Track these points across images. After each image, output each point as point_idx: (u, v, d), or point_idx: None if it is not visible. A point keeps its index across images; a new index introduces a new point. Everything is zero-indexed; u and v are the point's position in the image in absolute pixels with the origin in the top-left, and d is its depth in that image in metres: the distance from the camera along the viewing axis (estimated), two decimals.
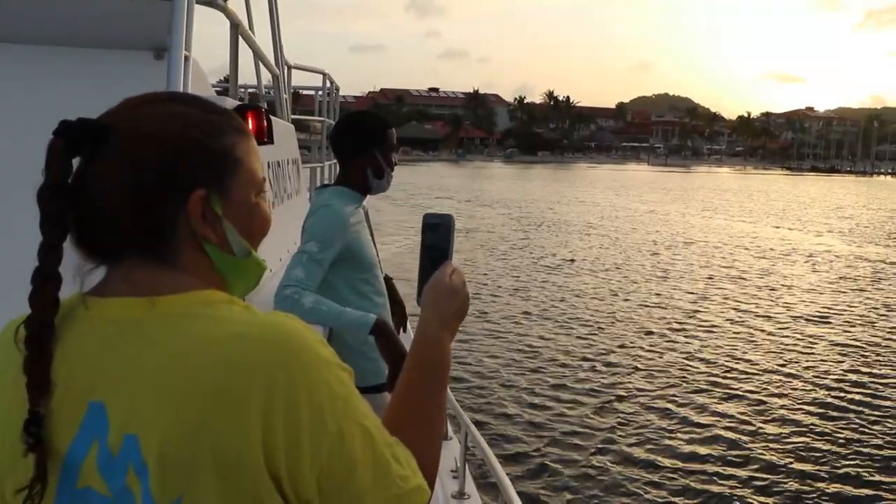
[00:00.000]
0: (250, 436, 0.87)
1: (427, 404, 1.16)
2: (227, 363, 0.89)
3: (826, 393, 11.97)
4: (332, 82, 8.56)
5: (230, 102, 3.18)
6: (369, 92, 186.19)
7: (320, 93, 8.93)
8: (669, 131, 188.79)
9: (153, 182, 0.96)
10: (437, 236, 1.22)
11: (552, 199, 49.88)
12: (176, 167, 0.97)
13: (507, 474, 3.81)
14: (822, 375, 12.95)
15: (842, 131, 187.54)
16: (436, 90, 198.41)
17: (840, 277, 23.47)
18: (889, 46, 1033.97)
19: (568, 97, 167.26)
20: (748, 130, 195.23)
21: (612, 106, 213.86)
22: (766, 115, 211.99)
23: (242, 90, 6.46)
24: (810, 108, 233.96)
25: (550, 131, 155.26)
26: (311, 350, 0.93)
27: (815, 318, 17.55)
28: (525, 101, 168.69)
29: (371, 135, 3.25)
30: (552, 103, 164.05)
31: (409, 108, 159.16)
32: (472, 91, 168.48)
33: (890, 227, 41.16)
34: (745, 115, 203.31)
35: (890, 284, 22.59)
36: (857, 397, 11.75)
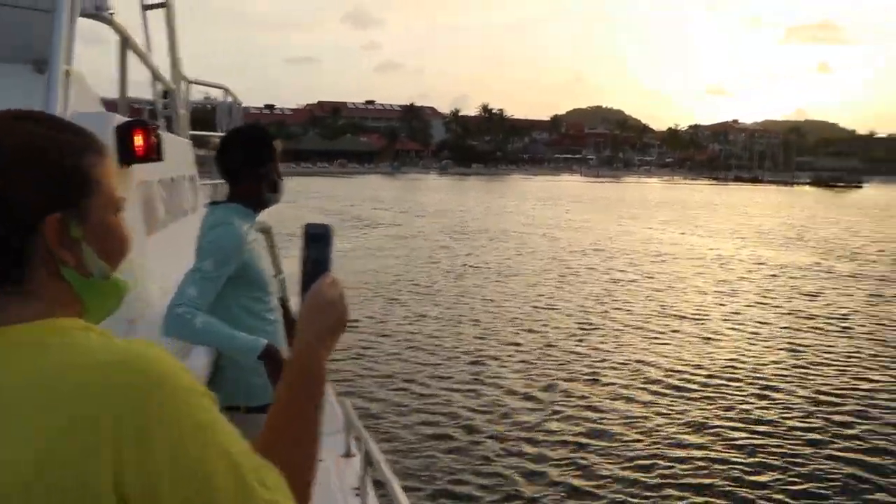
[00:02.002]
0: (101, 468, 0.82)
1: (299, 423, 1.13)
2: (79, 393, 0.84)
3: (727, 388, 13.60)
4: (233, 97, 8.31)
5: (117, 119, 3.12)
6: (307, 105, 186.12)
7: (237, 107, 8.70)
8: (602, 143, 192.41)
9: (2, 206, 0.91)
10: (317, 248, 1.26)
11: (483, 209, 51.48)
12: (30, 190, 0.92)
13: (408, 489, 4.38)
14: (724, 371, 14.68)
15: (765, 143, 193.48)
16: (372, 102, 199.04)
17: (740, 278, 25.64)
18: (810, 62, 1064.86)
19: (502, 110, 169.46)
20: (677, 142, 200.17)
21: (547, 118, 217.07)
22: (695, 127, 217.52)
23: (142, 105, 6.33)
24: (736, 121, 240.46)
25: (485, 143, 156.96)
26: (172, 378, 0.89)
27: (706, 317, 19.47)
28: (460, 113, 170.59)
29: (260, 149, 3.20)
30: (487, 116, 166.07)
31: (345, 121, 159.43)
32: (407, 104, 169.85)
33: (792, 232, 43.82)
34: (674, 127, 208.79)
35: (788, 283, 24.81)
36: (768, 392, 13.16)
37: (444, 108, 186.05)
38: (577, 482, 9.19)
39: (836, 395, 12.99)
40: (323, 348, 1.22)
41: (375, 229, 36.64)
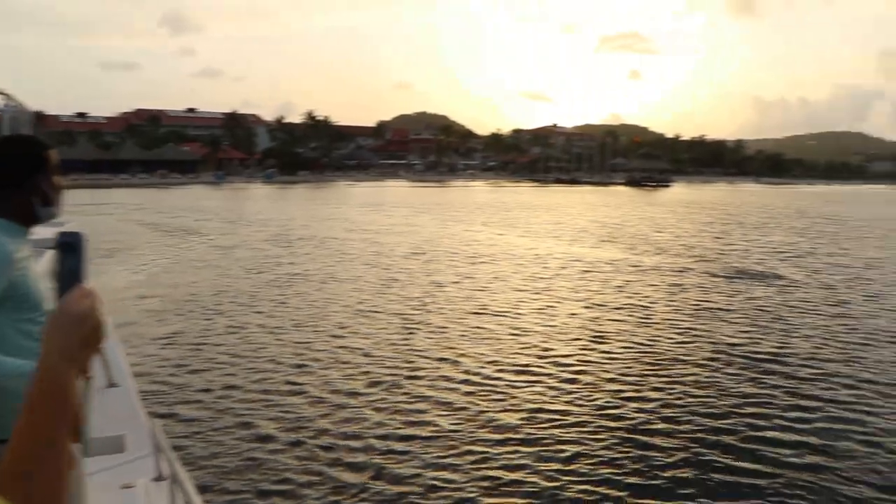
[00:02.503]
0: None
1: (40, 448, 1.02)
2: None
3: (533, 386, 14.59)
4: (17, 103, 7.78)
5: None
6: (123, 112, 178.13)
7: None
8: (427, 148, 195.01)
9: None
10: (69, 257, 1.16)
11: (309, 217, 51.29)
12: None
13: None
14: (538, 364, 15.66)
15: (583, 146, 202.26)
16: (193, 110, 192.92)
17: (555, 275, 27.02)
18: (623, 70, 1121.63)
19: (327, 117, 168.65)
20: (500, 146, 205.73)
21: (373, 124, 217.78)
22: (517, 131, 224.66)
23: None
24: (556, 125, 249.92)
25: (311, 151, 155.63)
26: None
27: (521, 313, 20.53)
28: (285, 121, 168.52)
29: (29, 160, 2.93)
30: (312, 123, 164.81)
31: (165, 130, 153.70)
32: (230, 111, 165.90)
33: (605, 230, 46.32)
34: (497, 131, 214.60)
35: (599, 278, 26.32)
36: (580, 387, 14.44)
37: (268, 115, 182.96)
38: (400, 482, 9.63)
39: (638, 381, 14.14)
40: (71, 365, 1.11)
41: (198, 240, 35.88)
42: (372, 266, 27.94)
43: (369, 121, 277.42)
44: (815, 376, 14.66)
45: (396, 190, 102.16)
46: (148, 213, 54.34)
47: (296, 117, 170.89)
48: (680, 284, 25.43)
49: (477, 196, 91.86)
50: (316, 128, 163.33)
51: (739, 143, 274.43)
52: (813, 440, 11.30)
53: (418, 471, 9.85)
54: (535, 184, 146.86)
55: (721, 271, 28.74)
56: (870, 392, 13.77)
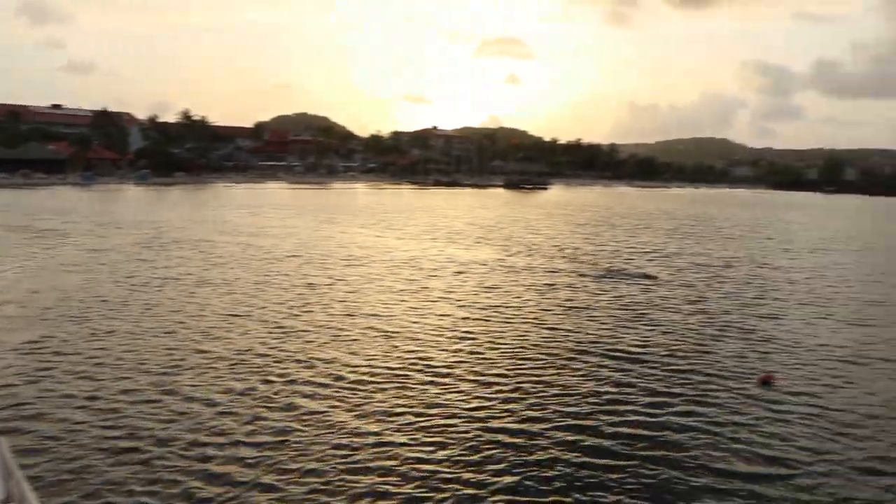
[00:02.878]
0: None
1: None
2: None
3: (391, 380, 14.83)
4: None
5: None
6: None
7: None
8: (307, 150, 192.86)
9: None
10: None
11: (184, 219, 50.07)
12: None
13: None
14: (410, 363, 15.94)
15: (462, 148, 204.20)
16: (59, 107, 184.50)
17: (429, 276, 27.36)
18: (501, 74, 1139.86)
19: (204, 117, 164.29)
20: (380, 148, 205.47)
21: (251, 125, 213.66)
22: (396, 133, 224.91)
23: None
24: (435, 128, 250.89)
25: (187, 151, 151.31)
26: None
27: (394, 314, 20.85)
28: (159, 120, 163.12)
29: None
30: (188, 123, 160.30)
31: (28, 127, 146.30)
32: (100, 109, 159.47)
33: (482, 232, 47.09)
34: (377, 133, 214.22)
35: (472, 278, 26.81)
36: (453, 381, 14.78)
37: (142, 114, 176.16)
38: (271, 479, 9.79)
39: (506, 378, 14.67)
40: None
41: (66, 244, 34.57)
42: (246, 269, 27.64)
43: (248, 121, 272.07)
44: (672, 370, 15.53)
45: (276, 192, 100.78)
46: (9, 215, 51.83)
47: (171, 116, 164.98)
48: (550, 284, 26.26)
49: (356, 198, 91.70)
50: (192, 128, 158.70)
51: (613, 147, 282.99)
52: (667, 427, 12.05)
53: (296, 468, 10.06)
54: (415, 186, 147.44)
55: (590, 271, 29.79)
56: (718, 384, 14.70)
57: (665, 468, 10.46)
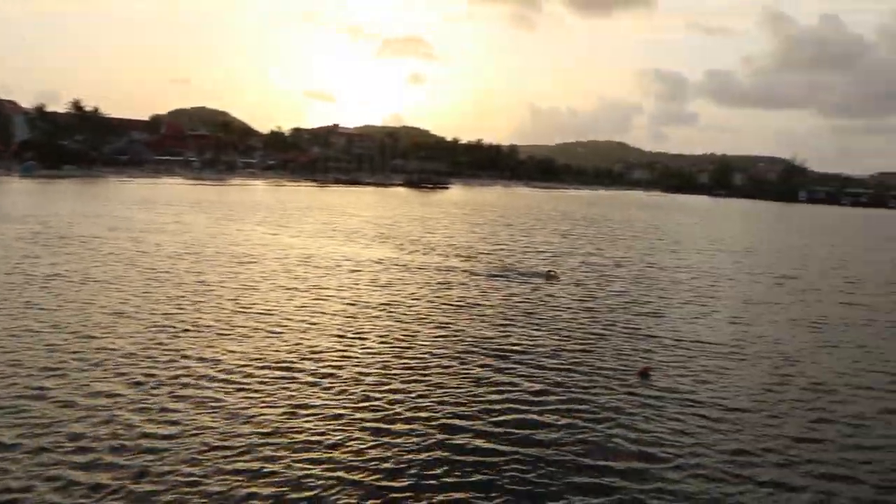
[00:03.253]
0: None
1: None
2: None
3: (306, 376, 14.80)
4: None
5: None
6: None
7: None
8: (205, 145, 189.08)
9: None
10: None
11: (73, 214, 48.47)
12: None
13: None
14: (299, 362, 15.88)
15: (364, 147, 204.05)
16: None
17: (325, 274, 27.28)
18: (405, 73, 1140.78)
19: (97, 108, 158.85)
20: (280, 145, 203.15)
21: (147, 118, 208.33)
22: (297, 130, 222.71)
23: None
24: (337, 125, 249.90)
25: (77, 143, 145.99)
26: None
27: (287, 312, 20.74)
28: (47, 110, 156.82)
29: None
30: (79, 113, 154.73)
31: None
32: None
33: (380, 230, 47.21)
34: (277, 129, 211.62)
35: (367, 277, 26.86)
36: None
37: (28, 102, 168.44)
38: (161, 482, 9.68)
39: (395, 375, 14.82)
40: None
41: None
42: (137, 266, 26.97)
43: (144, 114, 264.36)
44: (556, 366, 15.97)
45: (172, 188, 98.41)
46: None
47: (60, 107, 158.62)
48: (444, 282, 26.57)
49: (255, 195, 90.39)
50: (83, 119, 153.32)
51: (513, 148, 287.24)
52: (547, 423, 12.42)
53: (178, 467, 9.94)
54: (316, 184, 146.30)
55: (484, 269, 30.26)
56: (600, 378, 15.23)
57: (542, 463, 10.77)
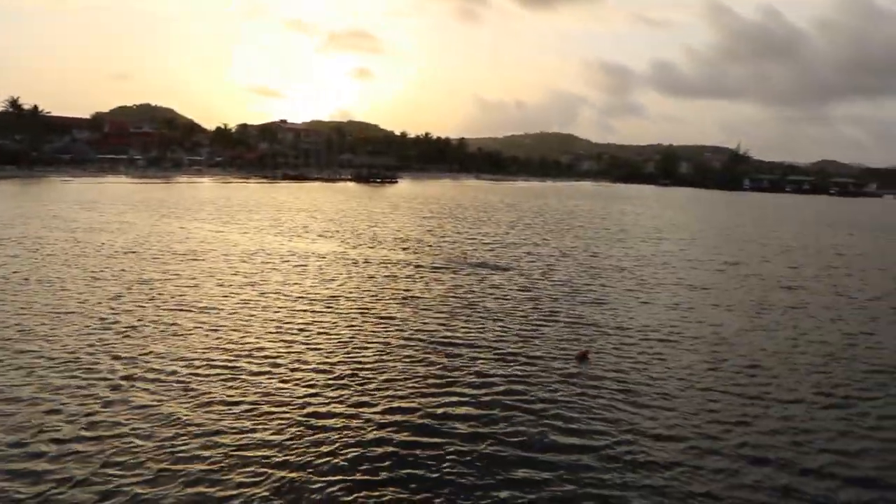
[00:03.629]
0: None
1: None
2: None
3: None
4: None
5: None
6: None
7: None
8: (150, 143, 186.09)
9: None
10: None
11: (8, 215, 47.43)
12: None
13: None
14: (242, 357, 15.79)
15: (311, 142, 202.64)
16: None
17: (271, 269, 27.11)
18: (352, 67, 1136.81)
19: (36, 106, 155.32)
20: (227, 141, 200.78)
21: (89, 116, 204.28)
22: (244, 126, 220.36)
23: None
24: (284, 121, 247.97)
25: (16, 143, 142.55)
26: None
27: (230, 308, 20.60)
28: None
29: None
30: (16, 112, 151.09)
31: None
32: None
33: (326, 225, 46.97)
34: (224, 126, 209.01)
35: (311, 271, 26.78)
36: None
37: None
38: (77, 483, 9.61)
39: (341, 365, 14.89)
40: None
41: None
42: (78, 266, 26.52)
43: (85, 112, 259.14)
44: (500, 354, 16.13)
45: (115, 186, 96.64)
46: None
47: None
48: (389, 275, 26.59)
49: (201, 193, 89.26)
50: (21, 117, 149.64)
51: (462, 141, 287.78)
52: (491, 406, 12.59)
53: (94, 469, 9.91)
54: (264, 180, 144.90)
55: (430, 262, 30.32)
56: (540, 365, 15.42)
57: (475, 454, 10.90)
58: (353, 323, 18.73)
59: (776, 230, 63.36)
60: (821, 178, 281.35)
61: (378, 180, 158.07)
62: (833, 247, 48.65)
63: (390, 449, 10.80)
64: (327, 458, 10.42)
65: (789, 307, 23.77)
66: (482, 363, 15.44)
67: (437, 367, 15.04)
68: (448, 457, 10.59)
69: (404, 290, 23.62)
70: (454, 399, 13.06)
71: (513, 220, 59.64)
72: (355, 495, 9.55)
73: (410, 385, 13.80)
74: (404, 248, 35.18)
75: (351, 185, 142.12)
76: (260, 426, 11.48)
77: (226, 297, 21.60)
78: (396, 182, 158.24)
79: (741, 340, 18.56)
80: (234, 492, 9.46)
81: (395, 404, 12.72)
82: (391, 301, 21.83)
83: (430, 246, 36.73)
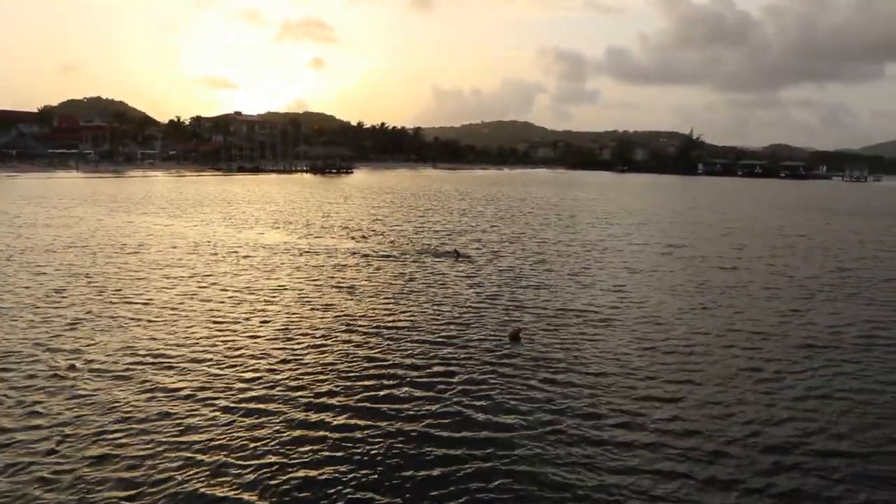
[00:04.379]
0: None
1: None
2: None
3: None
4: None
5: None
6: None
7: None
8: (101, 136, 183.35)
9: None
10: None
11: None
12: None
13: None
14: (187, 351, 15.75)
15: (267, 134, 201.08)
16: None
17: (215, 261, 27.08)
18: (307, 57, 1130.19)
19: None
20: (180, 134, 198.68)
21: (36, 110, 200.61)
22: (197, 118, 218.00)
23: None
24: (239, 113, 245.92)
25: None
26: None
27: (178, 302, 20.52)
28: None
29: None
30: None
31: None
32: None
33: (275, 217, 46.80)
34: (176, 119, 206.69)
35: (258, 263, 26.78)
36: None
37: None
38: (54, 471, 9.53)
39: (279, 355, 14.98)
40: None
41: None
42: (19, 263, 26.17)
43: (32, 106, 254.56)
44: (437, 339, 16.35)
45: (66, 181, 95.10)
46: None
47: None
48: (336, 265, 26.69)
49: (153, 187, 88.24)
50: None
51: (418, 131, 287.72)
52: (419, 394, 12.77)
53: (37, 458, 9.94)
54: (218, 173, 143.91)
55: (375, 251, 30.41)
56: (475, 349, 15.61)
57: (403, 437, 11.08)
58: (293, 312, 18.86)
59: (724, 213, 64.33)
60: (772, 162, 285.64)
61: (334, 171, 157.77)
62: (778, 228, 49.58)
63: (313, 437, 10.90)
64: (264, 441, 10.58)
65: (729, 287, 24.31)
66: (418, 348, 15.64)
67: (373, 354, 15.20)
68: (368, 446, 10.66)
69: (348, 278, 23.78)
70: (384, 386, 13.19)
71: (464, 208, 59.92)
72: (290, 475, 9.67)
73: (349, 369, 14.02)
74: (352, 238, 35.32)
75: (307, 176, 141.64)
76: (198, 412, 11.57)
77: (167, 289, 21.57)
78: (352, 173, 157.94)
79: (678, 321, 18.95)
80: (174, 474, 9.57)
81: (332, 387, 12.92)
82: (334, 289, 21.94)
83: (378, 234, 36.87)
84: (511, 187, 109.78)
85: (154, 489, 9.16)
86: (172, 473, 9.55)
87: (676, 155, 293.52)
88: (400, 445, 10.59)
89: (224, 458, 9.99)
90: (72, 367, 13.77)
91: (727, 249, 35.20)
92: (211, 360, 14.43)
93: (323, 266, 26.23)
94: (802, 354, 16.03)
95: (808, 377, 14.39)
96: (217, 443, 10.48)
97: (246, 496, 9.07)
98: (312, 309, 19.18)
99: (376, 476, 9.71)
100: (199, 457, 10.04)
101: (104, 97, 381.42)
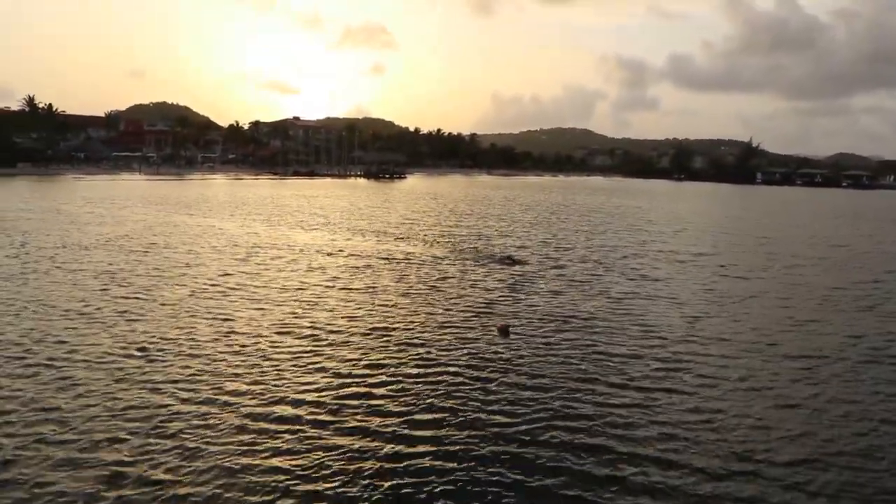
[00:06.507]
0: None
1: None
2: None
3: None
4: None
5: None
6: None
7: None
8: (163, 140, 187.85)
9: None
10: None
11: (32, 210, 48.75)
12: None
13: None
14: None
15: (323, 139, 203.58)
16: None
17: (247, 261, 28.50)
18: (367, 62, 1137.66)
19: (51, 104, 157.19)
20: (239, 139, 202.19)
21: (103, 114, 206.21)
22: (256, 123, 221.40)
23: None
24: (297, 118, 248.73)
25: (32, 141, 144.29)
26: None
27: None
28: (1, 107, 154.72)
29: None
30: (32, 110, 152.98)
31: None
32: None
33: (318, 219, 47.89)
34: (236, 124, 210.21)
35: (303, 265, 28.25)
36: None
37: None
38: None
39: (283, 357, 16.13)
40: None
41: None
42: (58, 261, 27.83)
43: (100, 110, 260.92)
44: (419, 338, 17.24)
45: (129, 184, 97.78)
46: None
47: (13, 103, 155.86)
48: (357, 266, 27.67)
49: (210, 190, 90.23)
50: (37, 116, 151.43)
51: (474, 137, 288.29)
52: (417, 378, 13.82)
53: (27, 442, 11.05)
54: (275, 176, 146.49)
55: (384, 253, 31.34)
56: (462, 348, 16.53)
57: (385, 434, 11.75)
58: (288, 311, 19.87)
59: (767, 222, 63.24)
60: (835, 171, 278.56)
61: (387, 176, 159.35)
62: (825, 238, 48.69)
63: (324, 429, 11.62)
64: (238, 449, 11.17)
65: (747, 297, 24.02)
66: (420, 344, 16.61)
67: (372, 354, 15.88)
68: (373, 431, 11.49)
69: (367, 279, 24.76)
70: (389, 379, 14.08)
71: (500, 213, 60.47)
72: (275, 460, 10.38)
73: (349, 367, 14.78)
74: (376, 239, 36.40)
75: (361, 181, 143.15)
76: (150, 405, 12.60)
77: (211, 285, 23.18)
78: (405, 178, 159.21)
79: (674, 330, 18.83)
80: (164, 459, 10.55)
81: (334, 382, 13.77)
82: (345, 289, 23.01)
83: (397, 237, 37.78)
84: (561, 194, 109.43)
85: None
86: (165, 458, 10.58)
87: (735, 163, 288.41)
88: (395, 440, 11.26)
89: (209, 450, 11.02)
90: (142, 349, 15.24)
91: (756, 259, 34.73)
92: (201, 353, 15.57)
93: (344, 266, 27.53)
94: (799, 365, 16.01)
95: (800, 387, 14.44)
96: (203, 441, 11.48)
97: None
98: (327, 310, 20.27)
99: (370, 467, 10.34)
100: (196, 445, 11.12)
101: (169, 102, 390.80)
